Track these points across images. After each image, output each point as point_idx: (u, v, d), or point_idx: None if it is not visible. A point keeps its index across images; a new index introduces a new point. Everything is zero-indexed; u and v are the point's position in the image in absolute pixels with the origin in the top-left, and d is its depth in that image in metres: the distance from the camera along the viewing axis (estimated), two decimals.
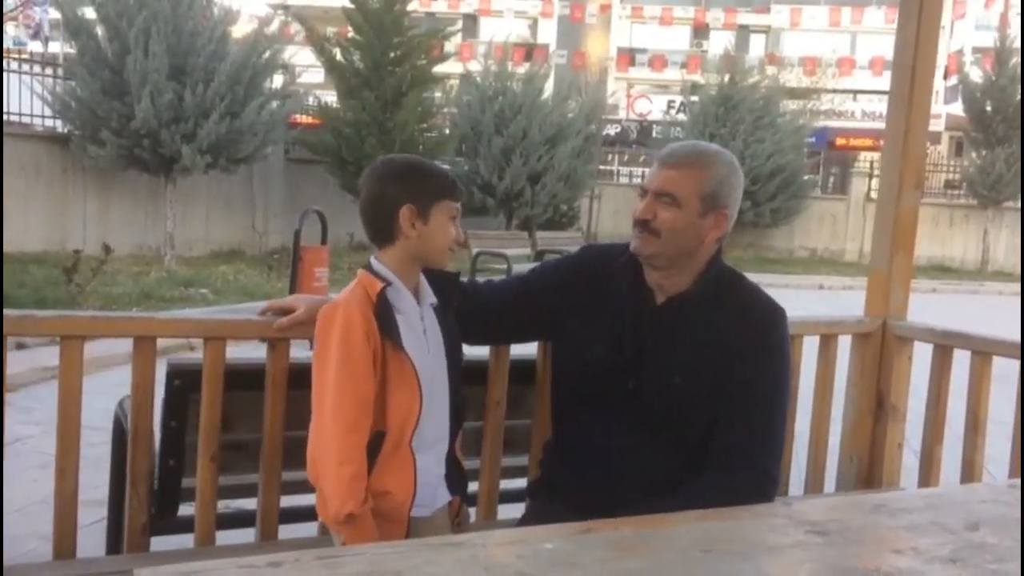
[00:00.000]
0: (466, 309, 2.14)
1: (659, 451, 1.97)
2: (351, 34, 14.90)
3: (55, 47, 21.49)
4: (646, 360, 1.97)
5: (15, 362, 5.95)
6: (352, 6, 14.67)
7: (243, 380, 2.24)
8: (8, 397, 5.34)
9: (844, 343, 3.04)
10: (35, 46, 24.07)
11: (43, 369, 5.58)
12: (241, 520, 2.36)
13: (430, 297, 1.90)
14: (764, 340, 1.95)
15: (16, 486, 3.82)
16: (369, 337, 1.74)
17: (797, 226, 21.17)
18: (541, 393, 2.39)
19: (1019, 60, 19.73)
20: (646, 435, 1.97)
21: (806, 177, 21.01)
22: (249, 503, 2.32)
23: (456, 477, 1.98)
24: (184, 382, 2.19)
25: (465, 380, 2.43)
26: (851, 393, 3.07)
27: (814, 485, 2.97)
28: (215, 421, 2.15)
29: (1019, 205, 19.82)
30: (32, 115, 12.52)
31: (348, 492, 1.70)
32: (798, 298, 13.99)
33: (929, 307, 10.00)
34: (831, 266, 19.92)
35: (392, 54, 14.61)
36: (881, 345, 3.02)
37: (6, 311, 1.99)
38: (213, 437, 2.15)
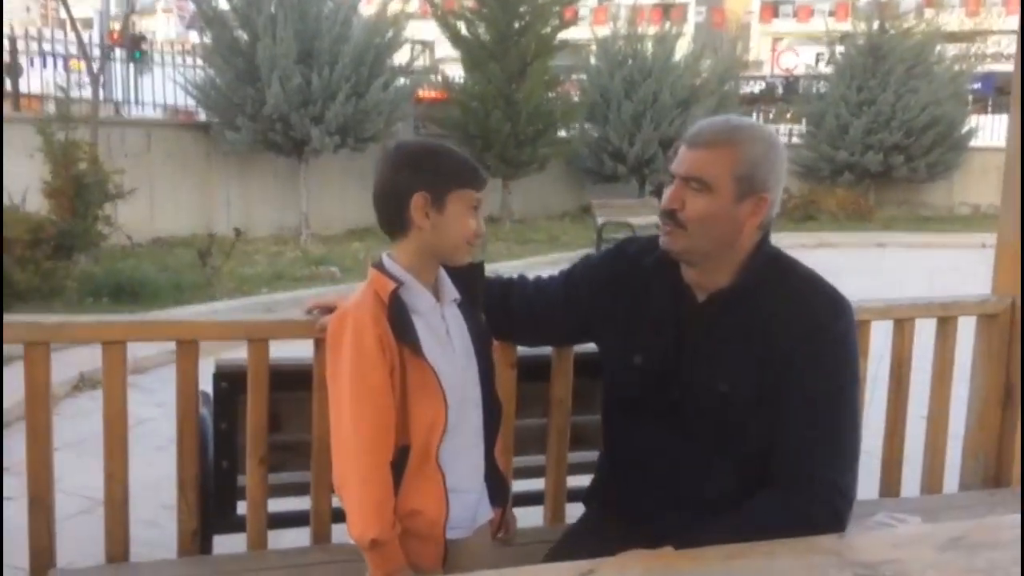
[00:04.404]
0: (512, 310, 2.00)
1: (714, 464, 1.77)
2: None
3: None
4: (688, 367, 1.77)
5: (146, 344, 6.27)
6: None
7: (292, 380, 2.18)
8: (135, 379, 5.66)
9: (968, 325, 2.70)
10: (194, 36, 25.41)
11: (170, 352, 5.81)
12: (297, 520, 2.32)
13: (452, 293, 1.74)
14: (822, 336, 1.70)
15: (132, 468, 3.98)
16: (383, 346, 1.60)
17: (957, 180, 19.66)
18: None
19: None
20: (698, 447, 1.77)
21: (966, 129, 19.42)
22: (307, 502, 2.27)
23: (496, 489, 1.83)
24: (231, 384, 2.16)
25: (527, 376, 2.31)
26: (976, 382, 2.73)
27: (932, 484, 2.66)
28: (262, 423, 2.10)
29: None
30: (177, 104, 13.17)
31: (372, 517, 1.58)
32: (957, 258, 13.04)
33: None
34: (996, 222, 18.42)
35: (517, 24, 14.45)
36: (1010, 327, 2.65)
37: (48, 318, 1.99)
38: (261, 439, 2.11)
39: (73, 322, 2.01)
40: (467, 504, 1.74)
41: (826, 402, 1.69)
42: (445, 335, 1.70)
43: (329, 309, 2.01)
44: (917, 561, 1.27)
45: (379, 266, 1.70)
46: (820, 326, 1.71)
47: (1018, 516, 1.38)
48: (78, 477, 3.46)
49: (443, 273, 1.74)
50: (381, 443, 1.60)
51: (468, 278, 1.76)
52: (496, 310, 1.92)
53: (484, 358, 1.76)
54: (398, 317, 1.62)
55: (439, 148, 1.72)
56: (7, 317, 1.99)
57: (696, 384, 1.76)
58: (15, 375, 2.09)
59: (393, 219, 1.68)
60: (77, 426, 4.57)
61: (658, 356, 1.80)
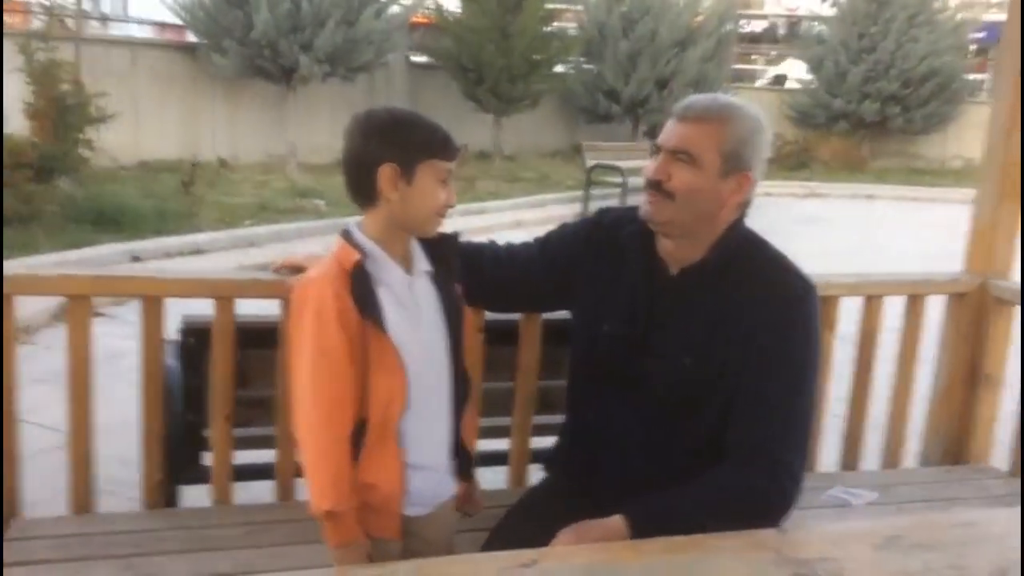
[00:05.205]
0: (482, 275, 2.00)
1: (674, 437, 1.79)
2: None
3: None
4: (656, 339, 1.79)
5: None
6: None
7: (259, 337, 2.18)
8: (116, 310, 5.66)
9: (937, 304, 2.72)
10: None
11: None
12: (264, 473, 2.34)
13: (423, 265, 1.72)
14: (785, 318, 1.72)
15: (107, 405, 4.00)
16: (344, 319, 1.57)
17: (951, 133, 19.55)
18: None
19: None
20: (659, 419, 1.80)
21: (970, 77, 19.20)
22: (273, 454, 2.28)
23: (462, 464, 1.82)
24: (198, 340, 2.16)
25: (496, 340, 2.31)
26: (942, 360, 2.76)
27: (892, 459, 2.71)
28: (227, 380, 2.11)
29: None
30: (163, 24, 12.88)
31: (326, 489, 1.57)
32: (945, 213, 13.04)
33: None
34: None
35: None
36: (979, 307, 2.67)
37: (13, 268, 1.97)
38: (226, 396, 2.12)
39: (37, 275, 2.00)
40: (429, 481, 1.73)
41: (786, 384, 1.71)
42: (414, 307, 1.68)
43: (297, 269, 2.00)
44: (853, 560, 1.29)
45: (346, 235, 1.67)
46: (784, 309, 1.73)
47: (958, 515, 1.41)
48: (55, 409, 3.46)
49: (415, 244, 1.72)
50: (338, 416, 1.59)
51: (442, 250, 1.74)
52: (466, 274, 1.91)
53: (455, 332, 1.75)
54: (360, 289, 1.60)
55: (410, 117, 1.67)
56: None
57: (662, 356, 1.78)
58: None
59: (361, 189, 1.64)
60: (55, 357, 4.55)
61: (627, 326, 1.82)
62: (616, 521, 1.61)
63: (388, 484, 1.65)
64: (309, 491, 1.61)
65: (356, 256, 1.61)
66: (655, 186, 1.74)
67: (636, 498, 1.66)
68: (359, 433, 1.63)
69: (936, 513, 2.00)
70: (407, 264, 1.70)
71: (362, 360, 1.61)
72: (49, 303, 5.52)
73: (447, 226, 1.76)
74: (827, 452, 2.59)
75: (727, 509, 1.59)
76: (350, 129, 1.65)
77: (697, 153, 1.70)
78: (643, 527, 1.56)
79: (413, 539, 1.69)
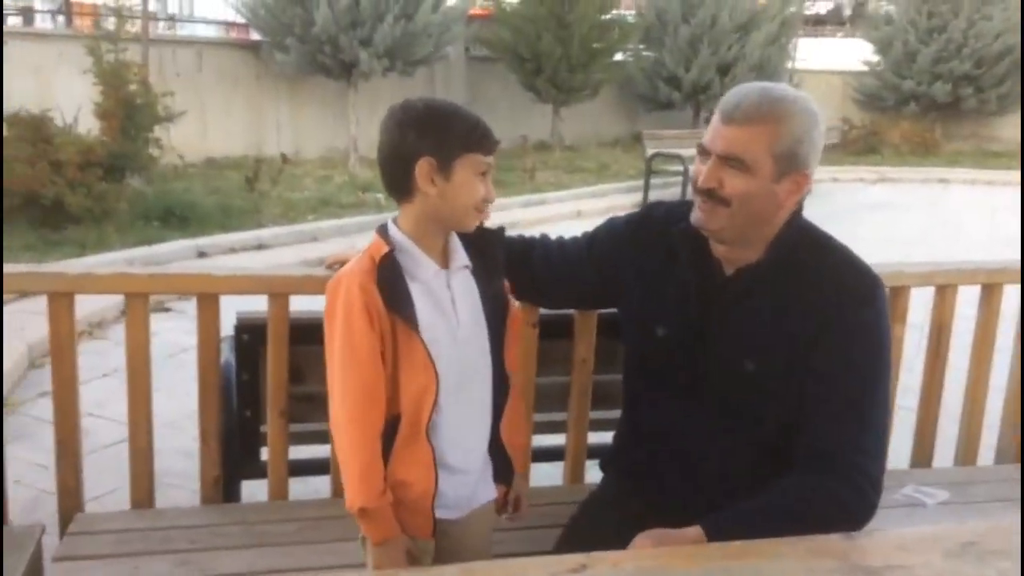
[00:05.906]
0: (532, 271, 1.96)
1: (737, 442, 1.72)
2: None
3: None
4: (713, 342, 1.71)
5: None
6: None
7: (313, 333, 2.17)
8: (183, 305, 5.77)
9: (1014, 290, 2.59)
10: None
11: None
12: (321, 468, 2.34)
13: (462, 260, 1.65)
14: (853, 317, 1.63)
15: (172, 398, 4.05)
16: (372, 313, 1.53)
17: None
18: None
19: None
20: (720, 424, 1.73)
21: None
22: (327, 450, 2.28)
23: (500, 467, 1.76)
24: (252, 336, 2.17)
25: (549, 334, 2.27)
26: (1018, 350, 2.63)
27: (967, 456, 2.60)
28: (282, 376, 2.12)
29: None
30: (228, 23, 13.10)
31: (359, 486, 1.54)
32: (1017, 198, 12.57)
33: None
34: None
35: None
36: None
37: (66, 269, 2.01)
38: (281, 392, 2.12)
39: (96, 273, 2.03)
40: (463, 484, 1.68)
41: (859, 386, 1.63)
42: (449, 304, 1.63)
43: None
44: (924, 568, 1.23)
45: (381, 230, 1.64)
46: (852, 308, 1.64)
47: None
48: (124, 404, 3.56)
49: (455, 239, 1.66)
50: (368, 413, 1.56)
51: (485, 245, 1.69)
52: (516, 270, 1.87)
53: (496, 329, 1.69)
54: (389, 284, 1.56)
55: (447, 109, 1.62)
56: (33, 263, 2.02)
57: (721, 360, 1.71)
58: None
59: (397, 183, 1.60)
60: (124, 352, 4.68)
61: (682, 329, 1.75)
62: (694, 532, 1.53)
63: (420, 482, 1.60)
64: (344, 490, 1.58)
65: (386, 249, 1.57)
66: (707, 193, 1.64)
67: (705, 504, 1.59)
68: (392, 429, 1.59)
69: (1011, 516, 1.90)
70: (444, 259, 1.65)
71: (392, 355, 1.58)
72: (119, 298, 5.66)
73: (503, 218, 1.71)
74: (898, 448, 2.49)
75: (808, 518, 1.51)
76: (386, 122, 1.61)
77: (748, 158, 1.60)
78: (721, 538, 1.48)
79: (447, 540, 1.65)
